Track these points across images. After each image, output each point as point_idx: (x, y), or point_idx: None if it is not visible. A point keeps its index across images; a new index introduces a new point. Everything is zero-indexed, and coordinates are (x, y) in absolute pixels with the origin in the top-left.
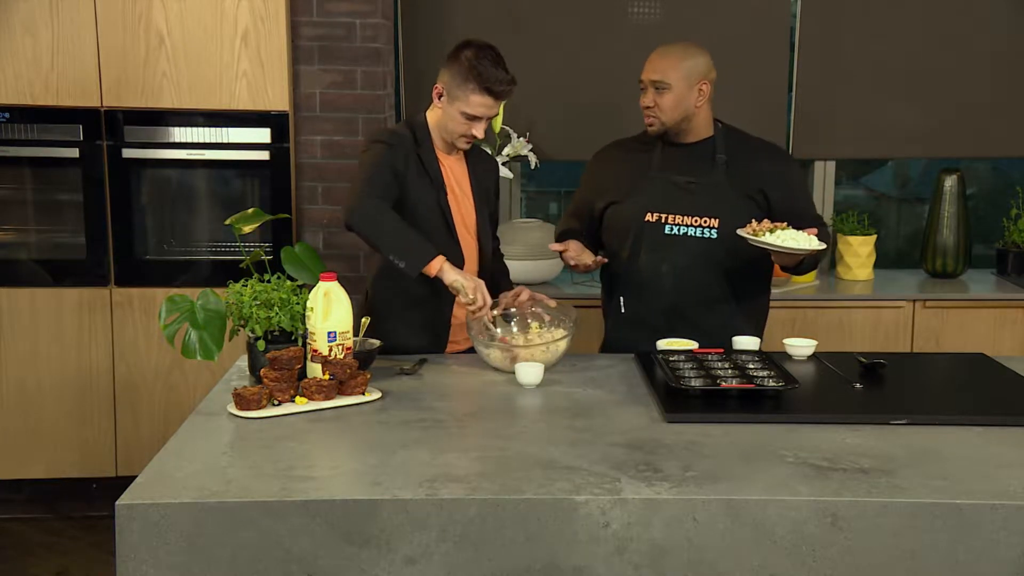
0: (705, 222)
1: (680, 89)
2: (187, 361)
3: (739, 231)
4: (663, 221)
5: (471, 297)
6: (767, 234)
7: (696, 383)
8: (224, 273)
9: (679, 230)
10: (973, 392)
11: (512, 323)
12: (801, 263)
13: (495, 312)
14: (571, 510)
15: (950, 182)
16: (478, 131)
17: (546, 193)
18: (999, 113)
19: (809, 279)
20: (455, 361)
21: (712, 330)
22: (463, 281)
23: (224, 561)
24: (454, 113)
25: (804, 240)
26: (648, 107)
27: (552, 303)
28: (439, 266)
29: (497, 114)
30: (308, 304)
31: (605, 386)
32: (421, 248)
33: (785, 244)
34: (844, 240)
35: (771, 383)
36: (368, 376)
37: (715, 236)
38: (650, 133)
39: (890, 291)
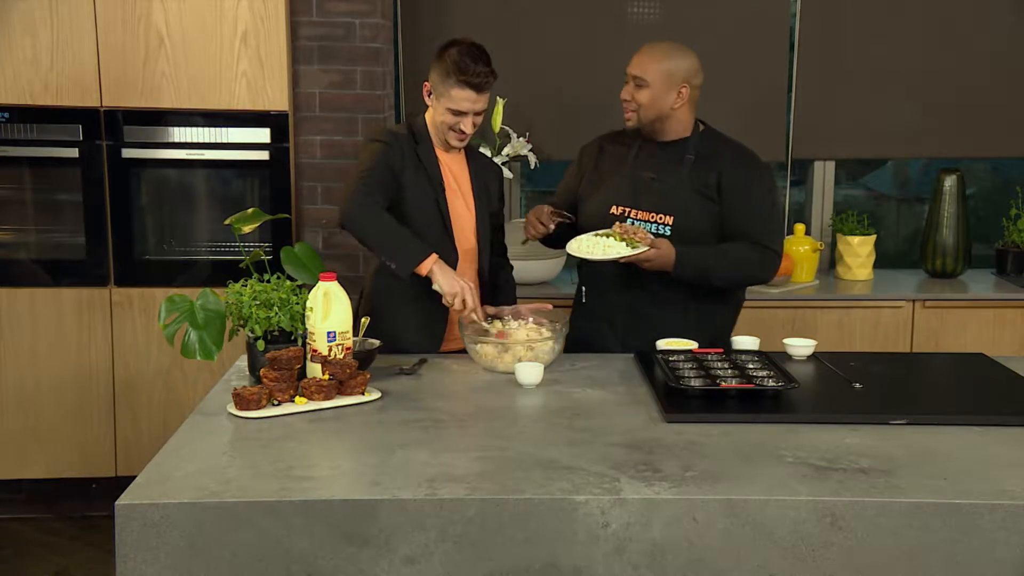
0: (661, 218)
1: (657, 88)
2: (187, 361)
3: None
4: (625, 215)
5: (450, 301)
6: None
7: (695, 383)
8: (224, 273)
9: (637, 225)
10: (973, 392)
11: (504, 325)
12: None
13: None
14: (571, 510)
15: (950, 182)
16: (466, 126)
17: (546, 193)
18: (999, 113)
19: (808, 279)
20: (454, 361)
21: (664, 327)
22: (443, 285)
23: (224, 561)
24: (441, 110)
25: (603, 250)
26: (626, 100)
27: (548, 306)
28: (430, 267)
29: (484, 108)
30: (308, 304)
31: (605, 386)
32: (413, 249)
33: (578, 252)
34: (844, 240)
35: (771, 383)
36: (367, 376)
37: (669, 233)
38: (627, 126)
39: (890, 291)
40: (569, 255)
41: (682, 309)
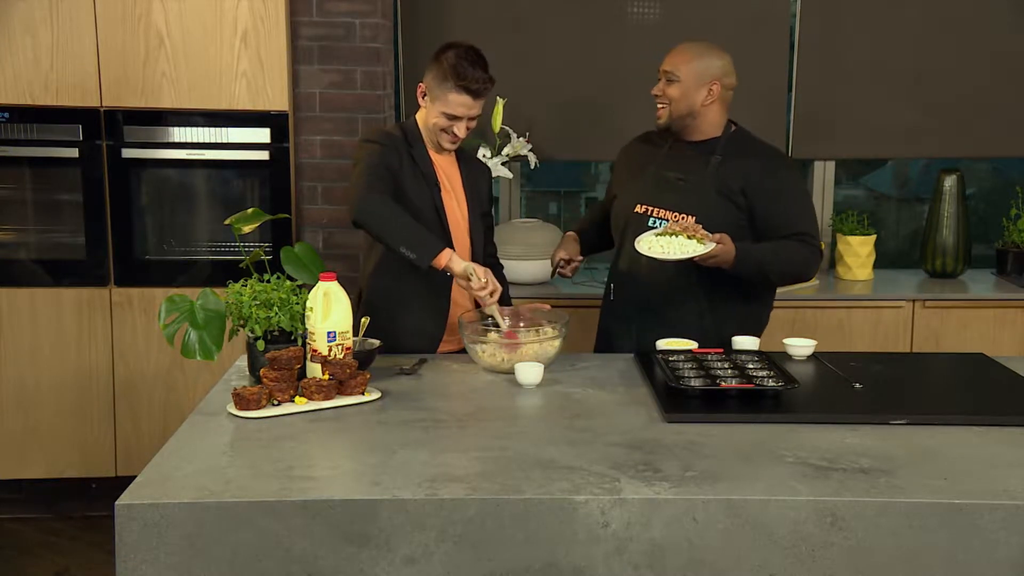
0: (683, 218)
1: (688, 84)
2: (187, 361)
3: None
4: (648, 213)
5: (483, 281)
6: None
7: (696, 383)
8: (224, 273)
9: (660, 224)
10: (973, 392)
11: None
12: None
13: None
14: (571, 510)
15: (950, 182)
16: (460, 130)
17: (546, 193)
18: (999, 113)
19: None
20: (454, 361)
21: (681, 327)
22: (474, 266)
23: (224, 561)
24: (436, 112)
25: (678, 249)
26: (657, 95)
27: (546, 307)
28: (448, 256)
29: (479, 114)
30: (308, 304)
31: (605, 386)
32: (430, 240)
33: (651, 252)
34: (844, 240)
35: (771, 383)
36: (368, 376)
37: None
38: (657, 123)
39: (890, 291)
40: (643, 255)
41: (695, 306)
